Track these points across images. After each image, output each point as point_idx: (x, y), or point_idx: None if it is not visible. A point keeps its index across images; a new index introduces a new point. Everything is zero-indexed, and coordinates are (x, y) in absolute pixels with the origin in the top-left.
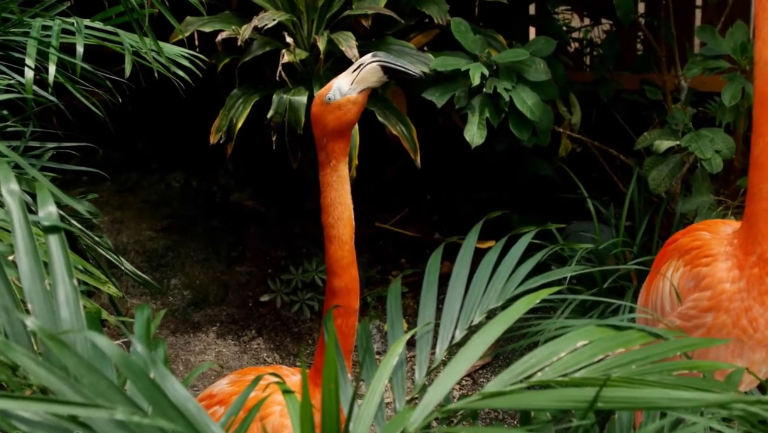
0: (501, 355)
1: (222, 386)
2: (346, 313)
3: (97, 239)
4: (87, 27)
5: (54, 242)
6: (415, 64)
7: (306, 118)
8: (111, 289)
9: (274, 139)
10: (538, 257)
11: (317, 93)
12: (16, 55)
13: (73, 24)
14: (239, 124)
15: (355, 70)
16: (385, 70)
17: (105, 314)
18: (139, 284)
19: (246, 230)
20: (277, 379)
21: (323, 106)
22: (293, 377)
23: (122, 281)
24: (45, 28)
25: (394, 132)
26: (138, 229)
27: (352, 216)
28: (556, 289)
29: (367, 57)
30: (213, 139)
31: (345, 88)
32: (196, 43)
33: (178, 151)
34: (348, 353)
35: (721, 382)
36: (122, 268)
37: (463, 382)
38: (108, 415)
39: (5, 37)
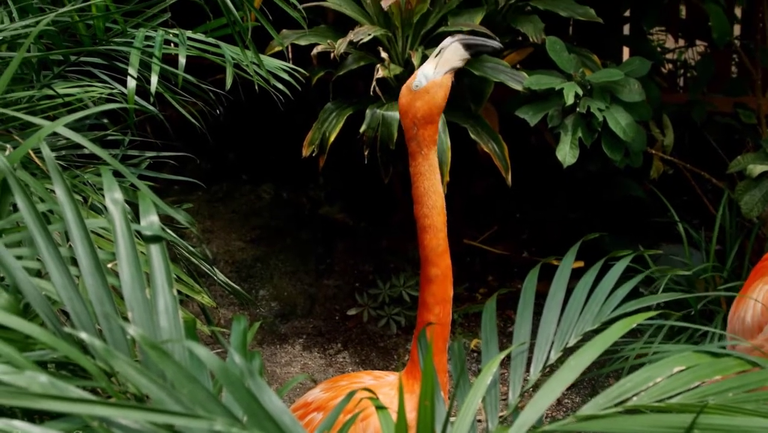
0: (590, 375)
1: (316, 394)
2: (443, 301)
3: (191, 249)
4: (188, 38)
5: (155, 251)
6: (509, 82)
7: (398, 134)
8: (205, 298)
9: (366, 153)
10: (634, 281)
11: (404, 86)
12: (119, 65)
13: (173, 35)
14: (332, 138)
15: (437, 55)
16: (466, 47)
17: (198, 324)
18: (228, 294)
19: (334, 243)
20: (374, 382)
21: (411, 94)
22: (388, 378)
23: (211, 291)
24: (147, 38)
25: (486, 150)
26: (228, 239)
27: (444, 204)
28: (651, 314)
29: (447, 40)
30: (306, 152)
31: (430, 72)
32: (289, 56)
33: (269, 162)
34: (445, 341)
35: None
36: (214, 277)
37: None
38: (207, 426)
39: (108, 47)
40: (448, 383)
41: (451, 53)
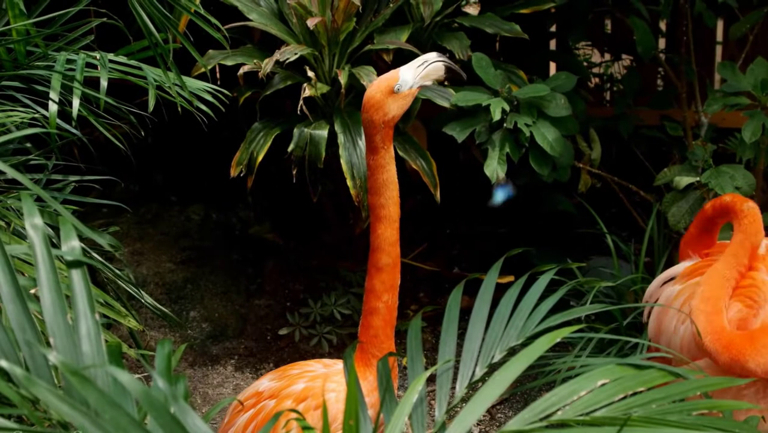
0: (519, 390)
1: (266, 384)
2: (392, 288)
3: (118, 272)
4: (111, 61)
5: (77, 276)
6: (436, 99)
7: (326, 152)
8: (131, 322)
9: (294, 172)
10: (558, 294)
11: (379, 80)
12: (40, 88)
13: (96, 58)
14: (260, 158)
15: (420, 66)
16: (448, 70)
17: (125, 348)
18: (158, 316)
19: (265, 263)
20: (325, 370)
21: (391, 95)
22: (338, 366)
23: (141, 313)
24: (69, 61)
25: (414, 167)
26: (157, 261)
27: (398, 196)
28: (576, 327)
29: (432, 55)
30: (234, 172)
31: (410, 80)
32: (218, 76)
33: (198, 183)
34: (392, 327)
35: (741, 423)
36: (142, 300)
37: (481, 417)
38: None
39: (30, 71)
40: (397, 370)
41: (433, 70)
